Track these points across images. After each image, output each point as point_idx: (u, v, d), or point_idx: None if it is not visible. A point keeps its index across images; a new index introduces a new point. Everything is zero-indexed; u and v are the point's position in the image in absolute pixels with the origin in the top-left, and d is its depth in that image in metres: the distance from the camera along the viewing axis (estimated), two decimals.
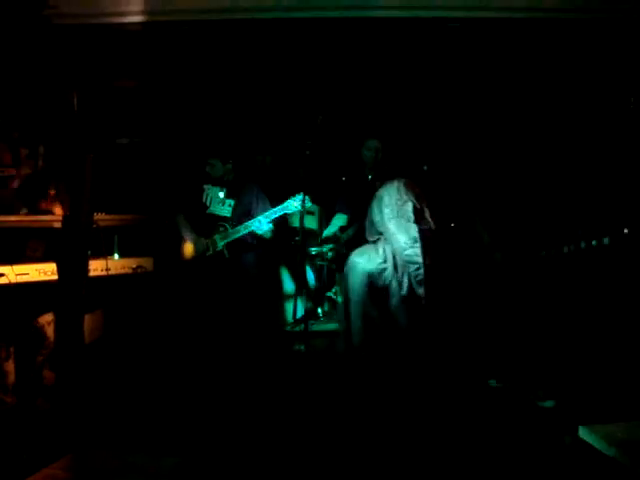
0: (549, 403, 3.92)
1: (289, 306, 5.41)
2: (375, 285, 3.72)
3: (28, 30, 4.74)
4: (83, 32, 4.99)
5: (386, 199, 3.78)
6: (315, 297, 5.66)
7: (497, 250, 4.26)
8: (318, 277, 5.74)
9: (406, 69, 5.75)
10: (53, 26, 4.74)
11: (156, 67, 5.74)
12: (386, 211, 3.71)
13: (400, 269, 3.64)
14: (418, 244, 3.64)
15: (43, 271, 3.71)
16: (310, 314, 5.34)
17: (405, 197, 3.75)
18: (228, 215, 4.73)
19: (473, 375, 3.97)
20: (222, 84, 6.09)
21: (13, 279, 3.58)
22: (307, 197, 4.29)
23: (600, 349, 4.16)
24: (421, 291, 3.53)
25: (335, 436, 3.34)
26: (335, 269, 5.86)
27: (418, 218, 3.68)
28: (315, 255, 5.70)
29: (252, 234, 4.59)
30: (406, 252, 3.57)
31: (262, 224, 4.51)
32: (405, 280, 3.62)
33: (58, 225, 3.85)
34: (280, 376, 4.32)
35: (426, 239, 3.63)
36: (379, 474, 2.94)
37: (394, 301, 3.68)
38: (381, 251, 3.75)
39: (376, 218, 3.82)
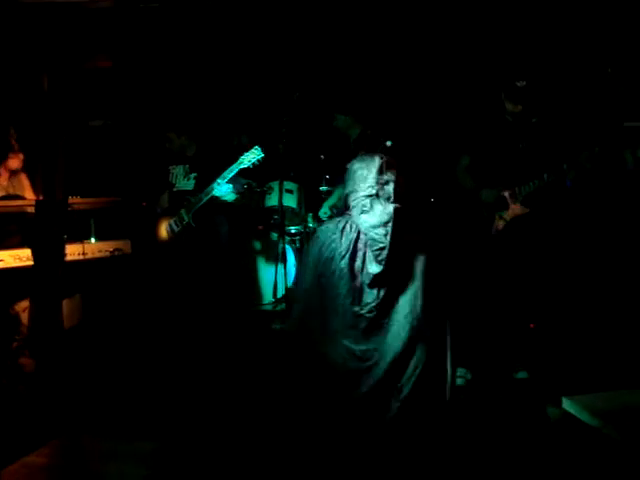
0: (522, 374, 3.96)
1: (269, 285, 5.39)
2: (321, 259, 3.67)
3: None
4: (53, 10, 4.87)
5: (365, 174, 3.70)
6: (296, 275, 5.65)
7: (482, 188, 4.27)
8: (298, 255, 5.73)
9: (382, 42, 5.71)
10: (21, 4, 4.62)
11: (128, 46, 5.65)
12: (362, 186, 3.64)
13: (346, 240, 3.59)
14: (390, 224, 3.59)
15: (18, 257, 3.65)
16: (291, 292, 5.32)
17: (386, 177, 3.69)
18: (191, 188, 4.73)
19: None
20: (196, 62, 6.01)
21: None
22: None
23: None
24: (375, 269, 3.47)
25: (312, 414, 3.34)
26: None
27: (396, 198, 3.63)
28: (295, 233, 5.68)
29: (214, 199, 4.57)
30: (375, 231, 3.52)
31: (221, 185, 4.50)
32: (348, 251, 3.57)
33: (31, 210, 3.79)
34: (260, 356, 4.31)
35: (398, 218, 3.58)
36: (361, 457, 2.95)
37: (336, 273, 3.62)
38: (336, 222, 3.69)
39: (351, 194, 3.75)
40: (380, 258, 3.41)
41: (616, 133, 4.25)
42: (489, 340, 4.10)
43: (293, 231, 5.65)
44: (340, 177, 5.32)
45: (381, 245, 3.43)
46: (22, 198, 4.16)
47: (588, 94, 4.85)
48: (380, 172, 3.61)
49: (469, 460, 2.88)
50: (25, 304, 4.01)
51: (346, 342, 3.39)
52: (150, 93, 6.30)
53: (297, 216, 5.62)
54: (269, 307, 5.44)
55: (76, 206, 3.95)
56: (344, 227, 3.56)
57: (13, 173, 4.58)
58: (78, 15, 4.94)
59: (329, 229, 3.62)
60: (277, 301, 5.33)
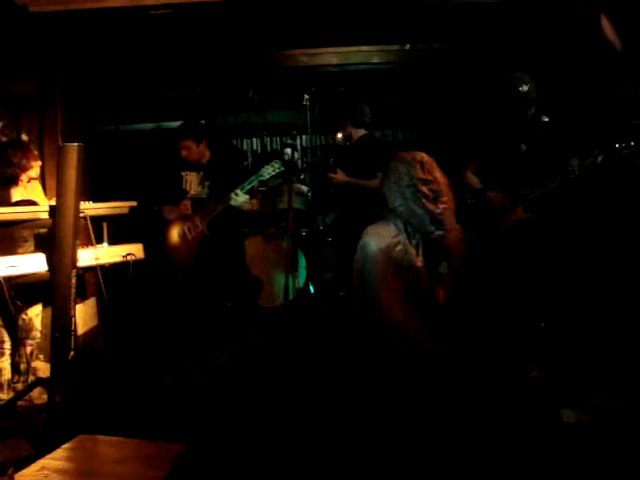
0: (534, 374, 3.96)
1: (281, 287, 5.41)
2: (390, 260, 3.69)
3: (4, 20, 4.67)
4: (63, 19, 4.92)
5: (404, 176, 3.72)
6: (307, 277, 5.67)
7: (488, 189, 4.30)
8: (309, 257, 5.75)
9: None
10: (31, 14, 4.67)
11: (139, 52, 5.69)
12: (407, 189, 3.66)
13: (414, 240, 3.62)
14: (449, 225, 3.63)
15: (32, 262, 3.68)
16: (302, 294, 5.35)
17: (430, 175, 3.71)
18: (206, 196, 4.73)
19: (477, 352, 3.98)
20: (204, 66, 6.05)
21: (2, 272, 3.56)
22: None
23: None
24: (443, 269, 3.54)
25: (332, 417, 3.35)
26: (327, 247, 5.89)
27: (438, 197, 3.65)
28: (305, 236, 5.71)
29: (230, 208, 4.58)
30: (434, 235, 3.57)
31: (239, 196, 4.51)
32: (420, 254, 3.61)
33: (45, 215, 3.82)
34: (275, 356, 4.33)
35: (446, 219, 3.63)
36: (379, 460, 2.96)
37: (412, 273, 3.66)
38: (392, 226, 3.71)
39: (392, 195, 3.76)
40: (443, 258, 3.47)
41: (625, 132, 4.23)
42: (500, 338, 4.11)
43: (303, 233, 5.67)
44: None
45: (444, 249, 3.48)
46: (35, 203, 4.20)
47: (597, 92, 4.84)
48: (422, 172, 3.62)
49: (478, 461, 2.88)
50: (38, 309, 4.05)
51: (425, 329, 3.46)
52: (163, 97, 6.35)
53: (307, 218, 5.65)
54: (280, 309, 5.47)
55: (89, 211, 3.97)
56: (406, 229, 3.58)
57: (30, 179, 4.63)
58: (90, 22, 5.00)
59: (387, 232, 3.63)
60: (288, 303, 5.35)
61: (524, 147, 4.12)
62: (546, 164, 4.03)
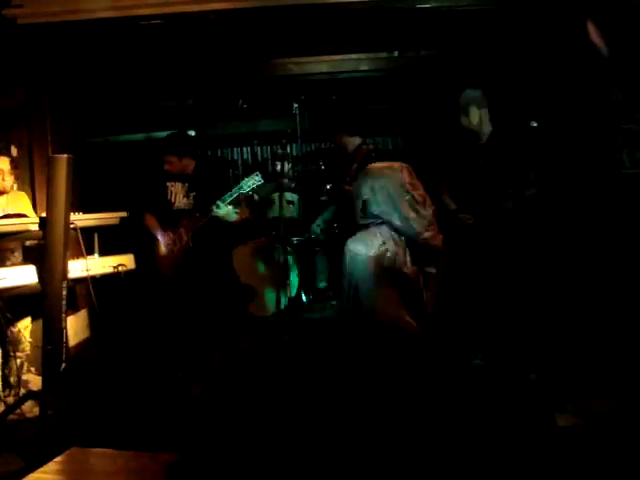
0: (533, 376, 3.96)
1: (273, 296, 5.39)
2: (383, 268, 3.74)
3: None
4: (51, 30, 4.92)
5: (394, 183, 3.78)
6: (299, 286, 5.66)
7: (461, 213, 4.42)
8: (301, 265, 5.74)
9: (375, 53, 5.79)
10: (18, 26, 4.67)
11: (128, 63, 5.69)
12: (398, 195, 3.72)
13: (400, 245, 3.67)
14: (434, 226, 3.72)
15: (21, 274, 3.66)
16: (295, 303, 5.34)
17: (415, 181, 3.81)
18: (191, 207, 4.77)
19: (457, 354, 3.99)
20: (194, 77, 6.06)
21: None
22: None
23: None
24: (432, 269, 3.59)
25: (325, 426, 3.34)
26: (319, 255, 5.88)
27: (426, 200, 3.75)
28: (296, 244, 5.69)
29: (215, 219, 4.61)
30: (423, 236, 3.62)
31: (220, 208, 4.56)
32: (408, 258, 3.66)
33: (35, 227, 3.80)
34: (267, 367, 4.32)
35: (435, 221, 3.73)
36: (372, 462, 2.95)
37: (403, 278, 3.72)
38: (378, 234, 3.75)
39: (378, 202, 3.81)
40: (433, 259, 3.52)
41: (613, 135, 4.27)
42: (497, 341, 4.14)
43: (295, 242, 5.66)
44: (339, 188, 5.35)
45: (433, 250, 3.53)
46: (24, 216, 4.17)
47: (585, 98, 4.87)
48: (410, 177, 3.69)
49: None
50: (28, 321, 4.03)
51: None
52: (152, 108, 6.35)
53: (298, 227, 5.64)
54: (272, 318, 5.45)
55: (79, 222, 3.95)
56: (391, 236, 3.63)
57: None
58: (78, 33, 5.00)
59: (372, 240, 3.67)
60: (280, 312, 5.34)
61: (481, 162, 4.26)
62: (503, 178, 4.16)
